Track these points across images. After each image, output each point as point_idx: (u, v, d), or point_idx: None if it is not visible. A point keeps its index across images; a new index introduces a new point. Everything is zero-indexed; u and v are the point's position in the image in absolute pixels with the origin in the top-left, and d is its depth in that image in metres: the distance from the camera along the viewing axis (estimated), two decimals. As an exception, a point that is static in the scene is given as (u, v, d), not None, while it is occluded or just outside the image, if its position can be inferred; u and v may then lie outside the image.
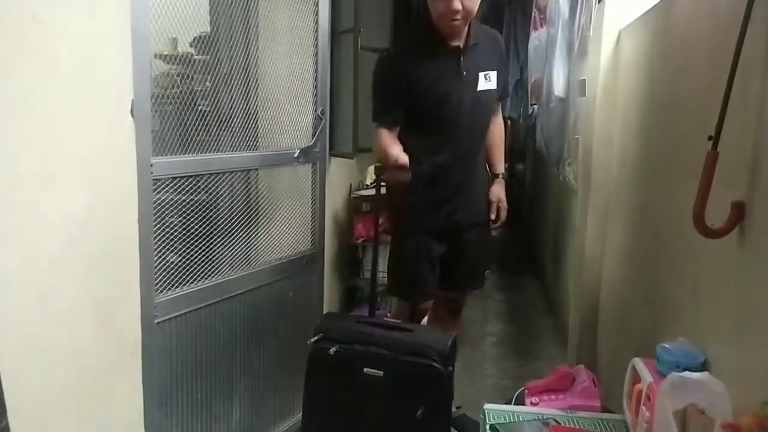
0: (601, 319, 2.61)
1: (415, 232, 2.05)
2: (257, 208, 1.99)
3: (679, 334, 1.49)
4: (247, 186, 1.96)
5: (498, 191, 2.28)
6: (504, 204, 2.29)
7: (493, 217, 2.28)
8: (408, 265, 2.10)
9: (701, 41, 1.58)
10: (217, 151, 1.80)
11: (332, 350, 1.66)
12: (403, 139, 2.02)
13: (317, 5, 2.12)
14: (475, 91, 2.07)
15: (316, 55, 2.14)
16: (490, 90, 2.12)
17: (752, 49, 1.19)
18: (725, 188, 1.26)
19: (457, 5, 1.87)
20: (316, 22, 2.13)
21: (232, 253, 1.86)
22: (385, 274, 3.23)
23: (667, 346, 1.38)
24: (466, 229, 2.19)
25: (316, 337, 1.71)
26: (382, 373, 1.63)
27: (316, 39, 2.13)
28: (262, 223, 2.02)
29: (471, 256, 2.23)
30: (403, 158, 1.89)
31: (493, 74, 2.12)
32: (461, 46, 2.04)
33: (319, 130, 2.14)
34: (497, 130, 2.29)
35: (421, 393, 1.63)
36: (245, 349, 1.93)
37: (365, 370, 1.64)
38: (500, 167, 2.31)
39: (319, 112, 2.14)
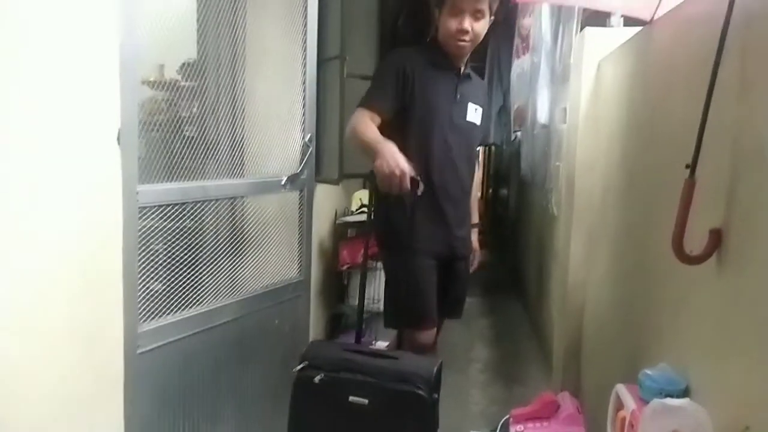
0: (585, 344, 2.62)
1: (425, 252, 2.00)
2: (243, 236, 1.97)
3: (661, 359, 1.51)
4: (233, 213, 1.95)
5: (475, 241, 2.30)
6: (479, 253, 2.34)
7: (475, 266, 2.30)
8: (423, 286, 2.01)
9: (678, 72, 1.63)
10: (204, 178, 1.80)
11: (317, 378, 1.66)
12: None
13: (305, 33, 2.14)
14: (465, 119, 2.09)
15: (304, 82, 2.15)
16: (476, 125, 2.15)
17: (726, 80, 1.23)
18: (703, 215, 1.29)
19: (467, 26, 1.92)
20: (305, 50, 2.15)
21: (218, 281, 1.85)
22: (371, 299, 3.24)
23: (650, 372, 1.39)
24: (459, 258, 2.17)
25: (302, 365, 1.70)
26: (367, 400, 1.63)
27: (304, 66, 2.15)
28: (249, 251, 2.01)
29: (460, 286, 2.21)
30: (407, 168, 1.73)
31: (480, 110, 2.15)
32: (460, 70, 2.08)
33: (306, 157, 2.14)
34: (477, 178, 2.30)
35: (406, 420, 1.63)
36: (230, 379, 1.90)
37: (350, 398, 1.63)
38: (477, 217, 2.32)
39: (306, 139, 2.15)
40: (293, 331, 2.18)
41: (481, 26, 1.97)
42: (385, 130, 1.89)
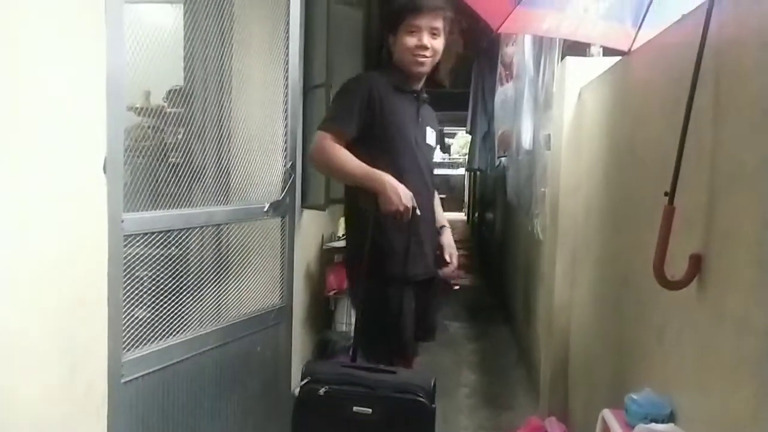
0: (572, 368, 2.62)
1: (405, 279, 1.98)
2: (227, 262, 1.97)
3: (646, 384, 1.52)
4: (217, 240, 1.95)
5: (450, 239, 2.23)
6: (455, 250, 2.24)
7: (455, 263, 2.20)
8: (405, 319, 1.98)
9: (655, 101, 1.67)
10: (189, 205, 1.80)
11: (322, 391, 1.70)
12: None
13: (287, 62, 2.17)
14: (425, 141, 2.10)
15: (286, 110, 2.18)
16: (433, 147, 2.18)
17: (702, 109, 1.27)
18: (683, 240, 1.31)
19: (426, 42, 1.94)
20: (287, 78, 2.17)
21: (201, 309, 1.83)
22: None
23: (635, 397, 1.40)
24: (432, 279, 2.13)
25: (305, 381, 1.73)
26: (370, 410, 1.68)
27: (287, 95, 2.17)
28: (232, 278, 2.00)
29: (434, 308, 2.18)
30: (411, 199, 1.82)
31: (434, 135, 2.17)
32: (419, 94, 2.09)
33: (288, 184, 2.15)
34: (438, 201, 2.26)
35: (408, 428, 1.70)
36: (213, 407, 1.88)
37: (354, 408, 1.68)
38: (444, 219, 2.26)
39: (288, 166, 2.16)
40: (275, 358, 2.17)
41: (439, 44, 1.98)
42: (351, 151, 1.90)
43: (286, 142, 2.18)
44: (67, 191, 1.31)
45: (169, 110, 1.90)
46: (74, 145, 1.33)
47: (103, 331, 1.43)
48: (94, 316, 1.41)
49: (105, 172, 1.40)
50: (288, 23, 2.16)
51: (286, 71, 2.16)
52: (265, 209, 2.06)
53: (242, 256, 2.03)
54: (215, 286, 1.90)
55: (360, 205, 1.95)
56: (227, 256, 1.96)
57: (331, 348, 3.62)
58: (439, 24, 1.96)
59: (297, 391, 1.75)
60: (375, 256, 1.92)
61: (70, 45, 1.30)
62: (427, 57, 1.97)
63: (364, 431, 1.69)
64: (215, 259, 1.91)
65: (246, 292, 2.05)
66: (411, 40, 1.95)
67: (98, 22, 1.37)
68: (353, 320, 3.14)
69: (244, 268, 2.05)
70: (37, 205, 1.23)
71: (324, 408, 1.70)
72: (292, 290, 2.24)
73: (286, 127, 2.17)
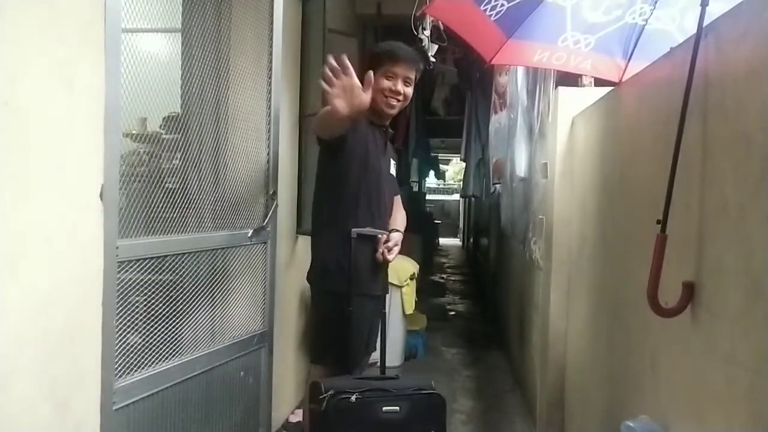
0: (568, 396, 2.61)
1: (366, 295, 2.12)
2: (213, 288, 1.98)
3: (641, 411, 1.52)
4: (205, 265, 1.96)
5: (394, 236, 2.22)
6: (393, 245, 2.21)
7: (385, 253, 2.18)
8: (362, 330, 2.13)
9: (644, 131, 1.70)
10: (182, 231, 1.81)
11: (353, 398, 1.89)
12: (330, 202, 2.13)
13: (270, 92, 2.23)
14: (389, 171, 2.28)
15: (269, 138, 2.23)
16: (394, 178, 2.34)
17: (691, 140, 1.30)
18: (676, 268, 1.33)
19: (400, 88, 2.13)
20: (269, 108, 2.24)
21: (190, 334, 1.84)
22: None
23: (631, 424, 1.40)
24: (383, 298, 2.29)
25: (329, 393, 1.89)
26: (398, 408, 1.94)
27: (269, 123, 2.24)
28: (218, 303, 2.01)
29: (377, 325, 2.27)
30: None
31: (394, 166, 2.35)
32: (387, 129, 2.26)
33: (271, 211, 2.19)
34: (402, 217, 2.38)
35: (429, 420, 1.99)
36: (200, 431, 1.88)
37: (384, 408, 1.92)
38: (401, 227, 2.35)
39: (270, 193, 2.21)
40: (257, 382, 2.20)
41: (409, 91, 2.18)
42: (320, 180, 2.16)
43: (268, 170, 2.22)
44: (64, 220, 1.31)
45: (165, 137, 1.91)
46: (72, 173, 1.33)
47: (97, 360, 1.42)
48: (88, 344, 1.40)
49: (102, 199, 1.41)
50: (271, 54, 2.22)
51: (269, 100, 2.22)
52: (249, 235, 2.10)
53: (227, 281, 2.06)
54: (202, 311, 1.91)
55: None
56: (213, 282, 1.97)
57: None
58: (412, 75, 2.18)
59: (324, 404, 1.88)
60: (334, 274, 2.09)
61: (69, 74, 1.32)
62: (398, 101, 2.16)
63: (393, 428, 1.93)
64: (203, 285, 1.92)
65: (231, 317, 2.07)
66: (387, 83, 2.13)
67: (97, 52, 1.39)
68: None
69: (230, 294, 2.07)
70: (32, 232, 1.23)
71: (356, 413, 1.90)
72: (273, 315, 2.26)
73: (268, 155, 2.23)
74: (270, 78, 2.23)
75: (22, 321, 1.21)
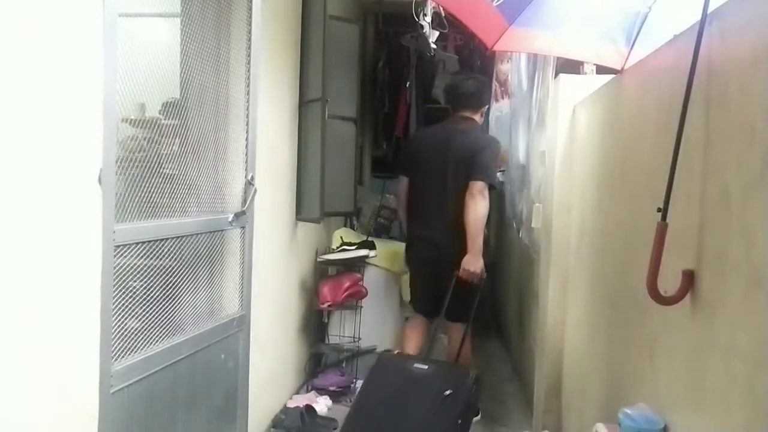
0: (566, 384, 2.62)
1: None
2: (199, 272, 2.00)
3: (639, 399, 1.52)
4: (196, 250, 1.97)
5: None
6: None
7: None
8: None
9: (647, 119, 1.69)
10: (175, 215, 1.82)
11: (396, 351, 2.97)
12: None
13: (248, 77, 2.21)
14: None
15: (247, 123, 2.23)
16: None
17: (693, 128, 1.29)
18: (676, 257, 1.32)
19: None
20: (248, 93, 2.22)
21: (177, 317, 1.85)
22: (352, 338, 3.45)
23: (629, 411, 1.40)
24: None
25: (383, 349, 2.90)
26: (426, 366, 2.53)
27: (247, 109, 2.23)
28: (205, 287, 2.03)
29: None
30: None
31: None
32: None
33: (250, 196, 2.20)
34: None
35: (449, 382, 2.41)
36: (186, 415, 1.90)
37: (415, 365, 2.55)
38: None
39: (249, 178, 2.21)
40: (235, 365, 2.22)
41: None
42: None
43: (246, 155, 2.24)
44: (61, 204, 1.31)
45: (164, 122, 1.91)
46: (69, 158, 1.33)
47: (95, 343, 1.42)
48: (83, 327, 1.40)
49: (100, 183, 1.40)
50: (250, 40, 2.19)
51: (248, 86, 2.21)
52: (230, 220, 2.12)
53: (212, 265, 2.08)
54: (191, 294, 1.92)
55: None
56: (200, 266, 1.99)
57: (325, 361, 3.61)
58: None
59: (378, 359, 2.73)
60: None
61: (66, 58, 1.31)
62: None
63: (420, 379, 2.47)
64: (190, 269, 1.93)
65: (214, 301, 2.10)
66: None
67: (95, 36, 1.38)
68: (346, 332, 3.20)
69: (213, 277, 2.09)
70: (30, 216, 1.23)
71: (394, 365, 2.64)
72: (250, 299, 2.29)
73: (246, 140, 2.23)
74: (249, 62, 2.20)
75: (19, 305, 1.21)
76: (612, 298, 1.94)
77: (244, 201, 2.20)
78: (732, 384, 1.10)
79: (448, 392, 2.32)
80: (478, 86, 3.22)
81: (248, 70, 2.21)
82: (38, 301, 1.26)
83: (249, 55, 2.20)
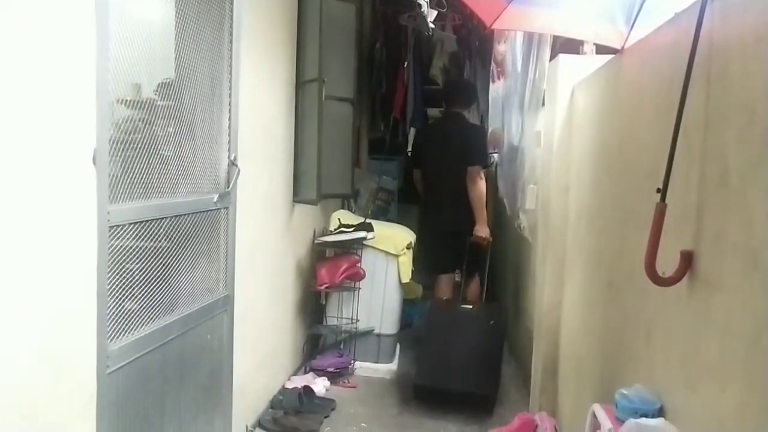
0: (562, 365, 2.64)
1: None
2: (187, 252, 1.99)
3: (636, 380, 1.53)
4: (185, 230, 1.96)
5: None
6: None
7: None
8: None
9: (647, 99, 1.68)
10: (166, 195, 1.81)
11: (445, 299, 3.74)
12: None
13: (230, 57, 2.19)
14: None
15: (230, 104, 2.21)
16: None
17: (693, 110, 1.28)
18: (675, 237, 1.32)
19: None
20: (230, 73, 2.20)
21: (169, 297, 1.85)
22: (350, 320, 3.47)
23: (625, 392, 1.41)
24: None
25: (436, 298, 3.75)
26: (471, 306, 3.47)
27: (230, 88, 2.21)
28: (193, 267, 2.03)
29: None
30: None
31: None
32: None
33: (234, 177, 2.20)
34: None
35: (492, 318, 3.30)
36: (175, 394, 1.92)
37: (462, 306, 3.49)
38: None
39: (231, 159, 2.20)
40: (220, 345, 2.24)
41: None
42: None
43: (229, 135, 2.23)
44: (55, 185, 1.30)
45: (159, 103, 1.89)
46: (63, 138, 1.31)
47: (92, 324, 1.42)
48: (83, 309, 1.40)
49: (95, 163, 1.39)
50: (231, 16, 2.16)
51: (230, 66, 2.19)
52: (215, 200, 2.12)
53: (199, 246, 2.08)
54: (181, 274, 1.93)
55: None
56: (188, 246, 1.99)
57: (323, 342, 3.63)
58: None
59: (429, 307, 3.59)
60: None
61: (60, 37, 1.29)
62: None
63: (467, 317, 3.32)
64: (180, 249, 1.93)
65: (201, 281, 2.10)
66: None
67: (87, 16, 1.35)
68: (344, 314, 3.21)
69: (200, 258, 2.09)
70: (24, 197, 1.22)
71: (446, 308, 3.51)
72: (234, 279, 2.30)
73: (229, 120, 2.21)
74: (230, 41, 2.18)
75: (16, 286, 1.20)
76: (609, 279, 1.95)
77: (228, 181, 2.20)
78: (728, 364, 1.10)
79: (492, 322, 3.24)
80: (468, 88, 4.23)
81: (230, 49, 2.18)
82: (34, 282, 1.26)
83: (231, 34, 2.17)
